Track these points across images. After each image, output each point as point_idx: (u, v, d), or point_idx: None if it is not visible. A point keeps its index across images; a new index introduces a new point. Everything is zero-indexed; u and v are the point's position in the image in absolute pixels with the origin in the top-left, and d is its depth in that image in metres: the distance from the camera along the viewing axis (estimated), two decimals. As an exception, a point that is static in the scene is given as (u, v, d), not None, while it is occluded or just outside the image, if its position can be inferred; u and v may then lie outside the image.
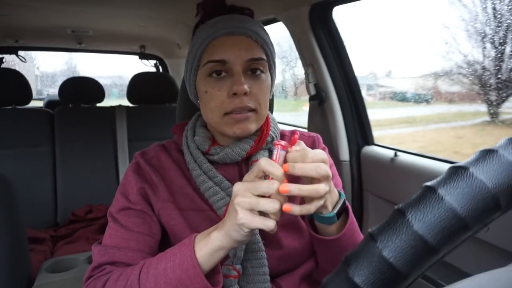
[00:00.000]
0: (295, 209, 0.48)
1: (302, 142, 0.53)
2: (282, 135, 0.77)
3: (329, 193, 0.54)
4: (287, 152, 0.51)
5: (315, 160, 0.50)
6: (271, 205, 0.47)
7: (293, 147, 0.52)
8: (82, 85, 2.08)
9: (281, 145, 0.51)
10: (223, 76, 0.63)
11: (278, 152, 0.51)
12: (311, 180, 0.51)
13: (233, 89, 0.61)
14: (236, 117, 0.62)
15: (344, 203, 0.58)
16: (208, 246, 0.53)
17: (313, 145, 0.76)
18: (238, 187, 0.49)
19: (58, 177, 1.85)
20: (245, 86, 0.60)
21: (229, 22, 0.64)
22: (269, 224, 0.48)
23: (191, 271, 0.52)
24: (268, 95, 0.67)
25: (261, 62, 0.64)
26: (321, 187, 0.49)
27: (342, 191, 0.76)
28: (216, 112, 0.64)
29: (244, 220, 0.48)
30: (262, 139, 0.68)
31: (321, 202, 0.50)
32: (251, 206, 0.48)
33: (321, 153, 0.51)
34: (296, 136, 0.53)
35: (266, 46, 0.66)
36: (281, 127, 0.79)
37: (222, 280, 0.57)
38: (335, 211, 0.56)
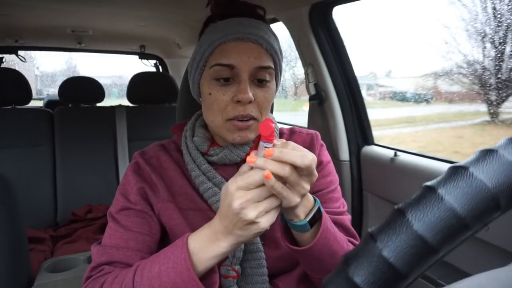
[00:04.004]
0: (272, 179, 0.47)
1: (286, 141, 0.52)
2: (281, 133, 0.77)
3: (301, 199, 0.52)
4: (274, 145, 0.51)
5: (296, 150, 0.49)
6: (277, 202, 0.50)
7: (275, 141, 0.51)
8: (82, 85, 2.08)
9: (263, 138, 0.50)
10: (229, 81, 0.63)
11: (261, 148, 0.51)
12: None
13: (238, 96, 0.60)
14: (238, 125, 0.62)
15: (319, 210, 0.57)
16: (215, 251, 0.52)
17: (311, 142, 0.76)
18: (237, 204, 0.48)
19: (58, 177, 1.85)
20: (250, 95, 0.60)
21: (240, 28, 0.62)
22: (278, 209, 0.51)
23: (185, 274, 0.51)
24: (271, 103, 0.67)
25: (268, 71, 0.64)
26: (287, 168, 0.47)
27: (339, 188, 0.76)
28: (218, 116, 0.63)
29: (268, 224, 0.50)
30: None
31: (297, 198, 0.50)
32: (266, 209, 0.49)
33: (305, 149, 0.51)
34: (272, 125, 0.51)
35: (275, 54, 0.65)
36: (280, 126, 0.79)
37: (219, 280, 0.57)
38: (307, 219, 0.55)
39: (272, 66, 0.65)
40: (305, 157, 0.48)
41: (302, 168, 0.48)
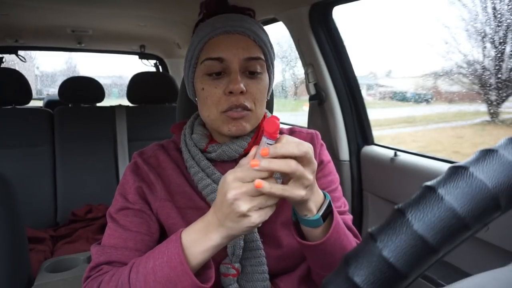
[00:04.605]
0: (266, 185, 0.47)
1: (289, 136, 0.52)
2: (281, 133, 0.77)
3: (312, 194, 0.52)
4: (276, 142, 0.50)
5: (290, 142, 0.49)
6: (272, 200, 0.50)
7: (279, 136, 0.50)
8: (82, 85, 2.08)
9: (266, 134, 0.49)
10: (220, 75, 0.64)
11: (263, 143, 0.51)
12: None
13: (229, 87, 0.61)
14: (232, 115, 0.62)
15: (329, 204, 0.57)
16: (206, 244, 0.52)
17: (311, 141, 0.75)
18: (232, 195, 0.48)
19: (58, 177, 1.85)
20: (241, 85, 0.61)
21: (228, 21, 0.64)
22: (273, 207, 0.51)
23: (179, 268, 0.51)
24: (265, 95, 0.67)
25: (259, 62, 0.64)
26: (292, 163, 0.47)
27: (339, 188, 0.76)
28: (212, 110, 0.64)
29: (260, 220, 0.49)
30: (259, 136, 0.68)
31: (301, 191, 0.49)
32: (260, 206, 0.49)
33: (305, 142, 0.51)
34: (278, 121, 0.51)
35: (264, 46, 0.66)
36: (280, 126, 0.79)
37: (214, 276, 0.56)
38: (320, 214, 0.55)
39: (262, 57, 0.65)
40: (300, 145, 0.48)
41: (301, 156, 0.48)
